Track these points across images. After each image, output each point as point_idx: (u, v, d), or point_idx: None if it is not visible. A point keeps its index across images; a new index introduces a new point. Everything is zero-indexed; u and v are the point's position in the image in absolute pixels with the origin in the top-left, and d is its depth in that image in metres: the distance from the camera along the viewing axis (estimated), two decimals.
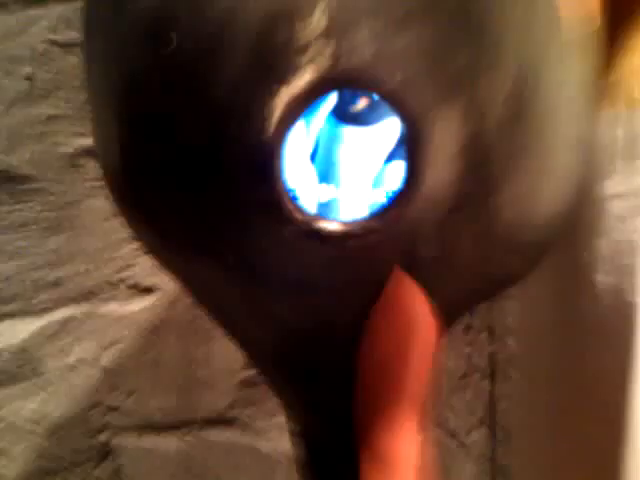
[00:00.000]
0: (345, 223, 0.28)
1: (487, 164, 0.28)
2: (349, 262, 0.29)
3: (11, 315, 0.61)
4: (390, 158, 0.36)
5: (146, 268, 0.62)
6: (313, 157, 0.37)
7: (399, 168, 0.32)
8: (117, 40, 0.30)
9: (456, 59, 0.27)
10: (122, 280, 0.63)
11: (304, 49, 0.25)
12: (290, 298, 0.31)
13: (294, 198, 0.27)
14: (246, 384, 0.68)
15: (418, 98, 0.26)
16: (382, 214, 0.28)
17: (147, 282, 0.63)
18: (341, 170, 0.36)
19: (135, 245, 0.60)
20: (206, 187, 0.28)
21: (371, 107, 0.36)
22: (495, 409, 0.77)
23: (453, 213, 0.29)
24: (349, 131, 0.36)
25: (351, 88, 0.30)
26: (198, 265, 0.31)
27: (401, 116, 0.27)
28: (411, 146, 0.27)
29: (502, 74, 0.28)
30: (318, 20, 0.25)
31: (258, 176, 0.26)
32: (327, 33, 0.26)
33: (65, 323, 0.62)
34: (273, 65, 0.26)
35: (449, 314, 0.33)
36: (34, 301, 0.61)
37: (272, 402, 0.67)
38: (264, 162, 0.26)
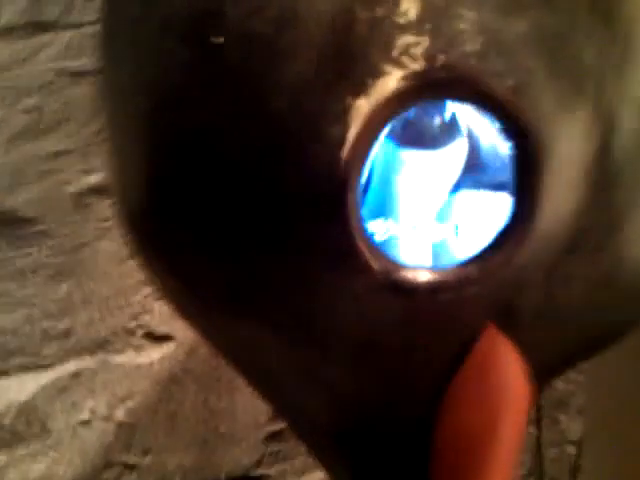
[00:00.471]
0: (436, 272, 0.23)
1: (614, 188, 0.23)
2: (433, 318, 0.24)
3: (18, 369, 0.56)
4: (457, 187, 0.31)
5: (162, 314, 0.58)
6: (364, 188, 0.32)
7: (504, 199, 0.27)
8: (147, 45, 0.25)
9: (581, 54, 0.22)
10: (137, 328, 0.59)
11: (388, 46, 0.20)
12: (354, 361, 0.26)
13: (372, 241, 0.22)
14: (274, 438, 0.64)
15: (536, 105, 0.21)
16: (484, 259, 0.23)
17: (164, 329, 0.59)
18: (400, 202, 0.31)
19: (150, 289, 0.56)
20: (259, 228, 0.22)
21: (442, 126, 0.31)
22: (543, 458, 0.71)
23: (567, 254, 0.24)
24: (411, 156, 0.31)
25: (449, 97, 0.24)
26: (238, 324, 0.26)
27: (513, 130, 0.22)
28: (525, 168, 0.22)
29: (634, 73, 0.23)
30: (407, 8, 0.20)
31: (327, 213, 0.21)
32: (418, 24, 0.20)
33: (76, 376, 0.58)
34: (348, 68, 0.20)
35: (543, 376, 0.27)
36: (43, 353, 0.57)
37: (303, 458, 0.63)
38: (335, 195, 0.20)
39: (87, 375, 0.58)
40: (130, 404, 0.60)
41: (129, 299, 0.57)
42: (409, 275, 0.22)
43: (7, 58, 0.47)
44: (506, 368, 0.27)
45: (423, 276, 0.23)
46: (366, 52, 0.21)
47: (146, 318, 0.58)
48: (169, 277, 0.27)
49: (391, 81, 0.20)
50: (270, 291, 0.24)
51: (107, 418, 0.60)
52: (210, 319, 0.28)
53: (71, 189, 0.52)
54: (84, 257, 0.55)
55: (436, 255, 0.32)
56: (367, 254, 0.22)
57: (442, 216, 0.32)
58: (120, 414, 0.60)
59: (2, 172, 0.49)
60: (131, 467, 0.61)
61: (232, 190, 0.23)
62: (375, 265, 0.22)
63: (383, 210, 0.31)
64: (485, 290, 0.23)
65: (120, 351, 0.59)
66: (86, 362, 0.58)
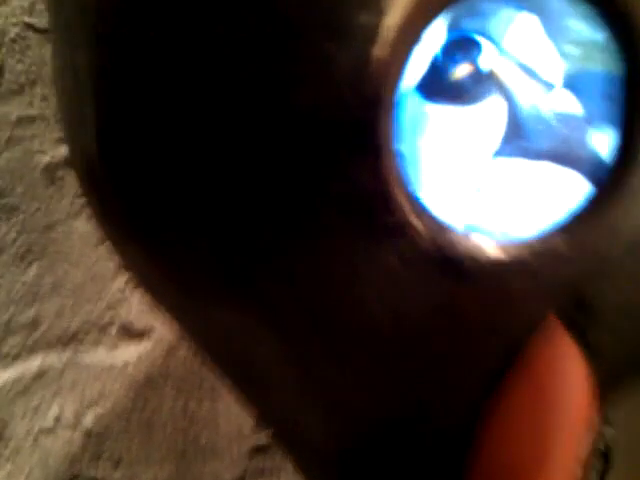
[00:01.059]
0: (510, 244, 0.17)
1: None
2: (489, 307, 0.18)
3: None
4: (497, 153, 0.26)
5: (141, 307, 0.52)
6: None
7: (603, 141, 0.22)
8: None
9: None
10: (111, 322, 0.53)
11: None
12: (371, 362, 0.20)
13: (413, 193, 0.16)
14: (259, 452, 0.59)
15: None
16: (575, 227, 0.17)
17: (142, 324, 0.54)
18: (427, 168, 0.25)
19: (128, 278, 0.50)
20: (253, 171, 0.17)
21: (475, 77, 0.25)
22: None
23: None
24: (440, 112, 0.26)
25: None
26: (227, 310, 0.20)
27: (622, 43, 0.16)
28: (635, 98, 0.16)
29: None
30: None
31: (351, 145, 0.15)
32: None
33: (40, 374, 0.52)
34: None
35: (611, 382, 0.21)
36: (3, 347, 0.51)
37: (290, 472, 0.57)
38: (362, 117, 0.15)
39: (52, 375, 0.53)
40: (100, 410, 0.55)
41: (105, 287, 0.52)
42: (469, 246, 0.17)
43: None
44: (566, 369, 0.21)
45: (489, 249, 0.17)
46: None
47: (122, 310, 0.53)
48: (137, 250, 0.21)
49: None
50: (272, 264, 0.18)
51: (73, 425, 0.54)
52: (191, 305, 0.22)
53: (43, 159, 0.47)
54: (56, 236, 0.49)
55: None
56: (407, 208, 0.16)
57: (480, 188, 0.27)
58: (88, 421, 0.54)
59: None
60: None
61: (219, 117, 0.17)
62: (419, 226, 0.17)
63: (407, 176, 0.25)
64: (567, 274, 0.18)
65: (91, 348, 0.53)
66: (52, 360, 0.52)
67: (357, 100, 0.15)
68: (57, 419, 0.53)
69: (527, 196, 0.26)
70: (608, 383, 0.23)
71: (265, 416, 0.24)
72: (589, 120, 0.27)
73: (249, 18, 0.16)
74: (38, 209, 0.48)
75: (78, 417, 0.54)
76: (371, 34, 0.15)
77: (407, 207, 0.16)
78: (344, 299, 0.19)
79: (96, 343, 0.54)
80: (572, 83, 0.28)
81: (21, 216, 0.48)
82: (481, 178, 0.27)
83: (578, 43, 0.27)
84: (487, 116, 0.27)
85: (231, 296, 0.20)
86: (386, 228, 0.17)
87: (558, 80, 0.29)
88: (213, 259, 0.19)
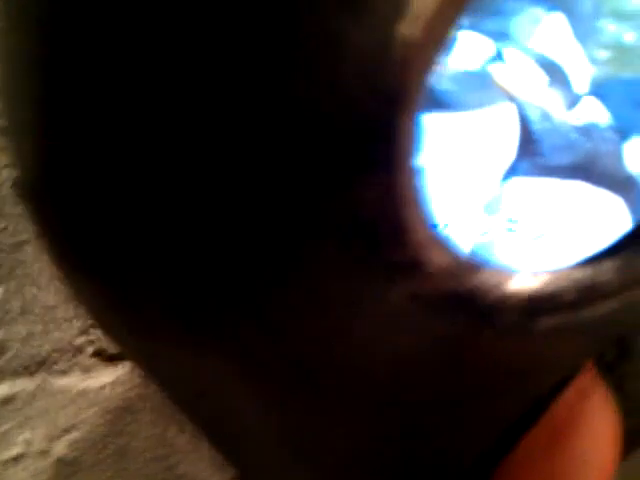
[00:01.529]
0: (541, 278, 0.14)
1: None
2: (515, 353, 0.15)
3: None
4: (511, 173, 0.23)
5: None
6: None
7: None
8: None
9: None
10: (86, 344, 0.51)
11: None
12: (368, 417, 0.17)
13: (433, 228, 0.13)
14: None
15: None
16: (620, 259, 0.14)
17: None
18: (433, 189, 0.23)
19: None
20: (227, 192, 0.14)
21: (471, 79, 0.23)
22: None
23: None
24: (434, 121, 0.23)
25: None
26: (191, 356, 0.17)
27: None
28: None
29: None
30: None
31: (363, 159, 0.12)
32: None
33: (9, 400, 0.50)
34: None
35: (636, 438, 0.19)
36: None
37: None
38: (380, 114, 0.12)
39: (23, 400, 0.50)
40: (73, 436, 0.52)
41: (76, 310, 0.49)
42: (495, 281, 0.14)
43: None
44: (594, 431, 0.19)
45: (519, 282, 0.14)
46: None
47: (97, 333, 0.51)
48: (86, 281, 0.18)
49: None
50: (248, 305, 0.15)
51: (44, 453, 0.51)
52: (152, 348, 0.19)
53: (11, 175, 0.44)
54: (25, 257, 0.46)
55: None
56: (423, 241, 0.14)
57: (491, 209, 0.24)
58: (60, 448, 0.52)
59: None
60: None
61: (183, 109, 0.14)
62: (436, 262, 0.14)
63: None
64: (614, 310, 0.15)
65: (64, 372, 0.51)
66: (22, 384, 0.50)
67: (371, 94, 0.12)
68: (27, 446, 0.50)
69: (554, 220, 0.24)
70: (629, 437, 0.21)
71: (244, 474, 0.21)
72: (620, 130, 0.25)
73: None
74: (5, 228, 0.45)
75: (50, 444, 0.51)
76: (398, 5, 0.12)
77: (423, 239, 0.14)
78: (341, 348, 0.16)
79: (69, 368, 0.52)
80: (601, 90, 0.26)
81: None
82: (495, 199, 0.24)
83: (608, 46, 0.24)
84: (494, 130, 0.24)
85: (196, 342, 0.17)
86: (397, 265, 0.14)
87: (585, 86, 0.26)
88: (175, 301, 0.16)
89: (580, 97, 0.24)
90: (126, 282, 0.17)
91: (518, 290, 0.15)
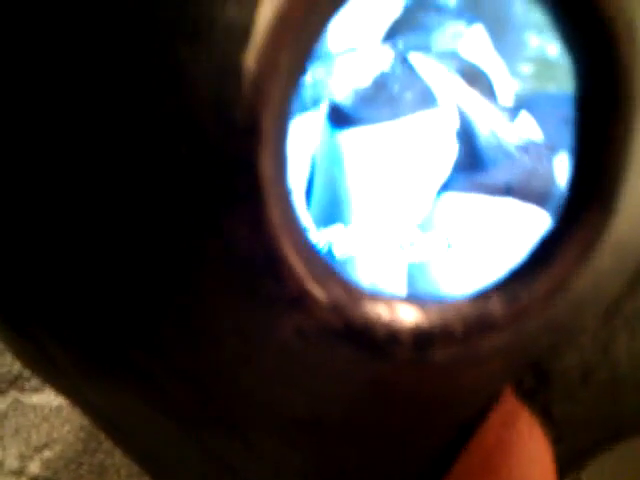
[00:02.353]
0: (431, 309, 0.14)
1: None
2: (420, 384, 0.15)
3: None
4: (446, 186, 0.23)
5: None
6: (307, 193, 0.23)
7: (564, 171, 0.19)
8: None
9: None
10: None
11: None
12: (282, 453, 0.16)
13: (312, 250, 0.13)
14: None
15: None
16: (515, 290, 0.14)
17: None
18: (355, 201, 0.22)
19: None
20: (108, 231, 0.13)
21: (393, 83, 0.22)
22: None
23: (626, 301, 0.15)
24: (359, 136, 0.22)
25: None
26: (100, 389, 0.17)
27: (587, 37, 0.13)
28: (604, 118, 0.13)
29: None
30: None
31: (224, 192, 0.11)
32: None
33: None
34: None
35: (570, 463, 0.18)
36: None
37: None
38: (236, 158, 0.11)
39: None
40: (48, 454, 0.51)
41: None
42: (383, 314, 0.13)
43: None
44: (526, 457, 0.18)
45: (407, 316, 0.14)
46: None
47: None
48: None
49: None
50: (142, 335, 0.15)
51: (18, 472, 0.51)
52: (66, 382, 0.18)
53: None
54: None
55: (416, 284, 0.23)
56: (302, 272, 0.13)
57: (426, 225, 0.24)
58: (35, 467, 0.51)
59: None
60: None
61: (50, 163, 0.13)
62: (319, 294, 0.13)
63: (332, 215, 0.22)
64: (509, 341, 0.14)
65: (37, 390, 0.50)
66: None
67: (221, 128, 0.12)
68: (0, 466, 0.50)
69: (480, 238, 0.23)
70: (572, 457, 0.20)
71: None
72: (550, 147, 0.24)
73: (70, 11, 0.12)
74: None
75: (24, 462, 0.50)
76: (237, 33, 0.11)
77: (302, 271, 0.13)
78: (246, 381, 0.15)
79: (41, 385, 0.51)
80: (526, 105, 0.25)
81: None
82: (422, 215, 0.23)
83: (532, 60, 0.24)
84: (429, 141, 0.23)
85: (104, 375, 0.16)
86: (276, 299, 0.13)
87: (510, 101, 0.26)
88: (73, 334, 0.16)
89: (518, 113, 0.24)
90: (26, 319, 0.17)
91: (407, 323, 0.14)
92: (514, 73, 0.23)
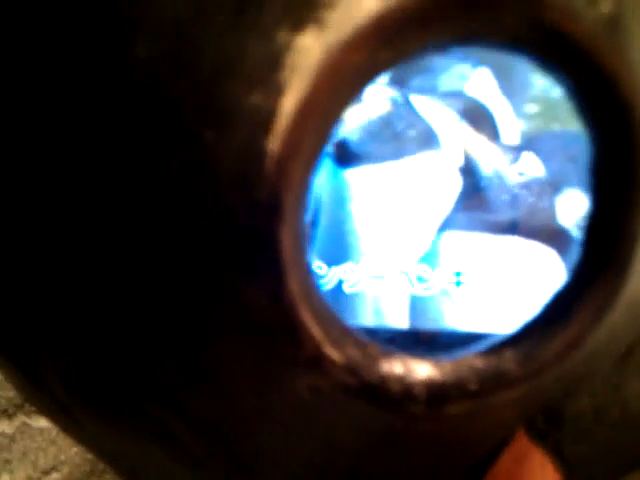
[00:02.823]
0: (444, 366, 0.14)
1: None
2: (435, 437, 0.15)
3: None
4: (450, 225, 0.23)
5: None
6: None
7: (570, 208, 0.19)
8: None
9: None
10: None
11: None
12: None
13: (332, 321, 0.13)
14: None
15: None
16: (529, 347, 0.14)
17: None
18: (361, 241, 0.23)
19: None
20: (133, 299, 0.14)
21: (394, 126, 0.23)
22: None
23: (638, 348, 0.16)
24: (364, 174, 0.23)
25: (486, 38, 0.15)
26: (129, 441, 0.17)
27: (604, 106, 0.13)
28: (621, 180, 0.14)
29: None
30: None
31: (245, 265, 0.12)
32: None
33: None
34: None
35: None
36: None
37: None
38: (255, 230, 0.12)
39: (2, 442, 0.49)
40: (56, 476, 0.51)
41: None
42: (397, 371, 0.14)
43: None
44: None
45: (421, 372, 0.14)
46: None
47: None
48: (5, 362, 0.18)
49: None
50: (162, 394, 0.15)
51: None
52: (80, 431, 0.19)
53: None
54: None
55: (425, 321, 0.24)
56: (319, 337, 0.14)
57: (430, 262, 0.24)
58: None
59: None
60: None
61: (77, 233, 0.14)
62: (335, 356, 0.14)
63: (339, 253, 0.22)
64: (523, 394, 0.15)
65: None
66: (1, 427, 0.49)
67: (245, 206, 0.12)
68: None
69: (488, 276, 0.23)
70: None
71: None
72: (552, 184, 0.25)
73: (100, 95, 0.12)
74: None
75: None
76: (262, 119, 0.12)
77: (319, 335, 0.14)
78: (263, 436, 0.16)
79: None
80: (532, 144, 0.25)
81: None
82: (424, 252, 0.24)
83: (537, 100, 0.24)
84: (432, 179, 0.24)
85: (121, 425, 0.17)
86: (293, 361, 0.14)
87: (516, 141, 0.26)
88: (90, 386, 0.16)
89: (521, 152, 0.24)
90: (34, 363, 0.17)
91: (421, 380, 0.14)
92: (519, 113, 0.24)
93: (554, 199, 0.23)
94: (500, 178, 0.24)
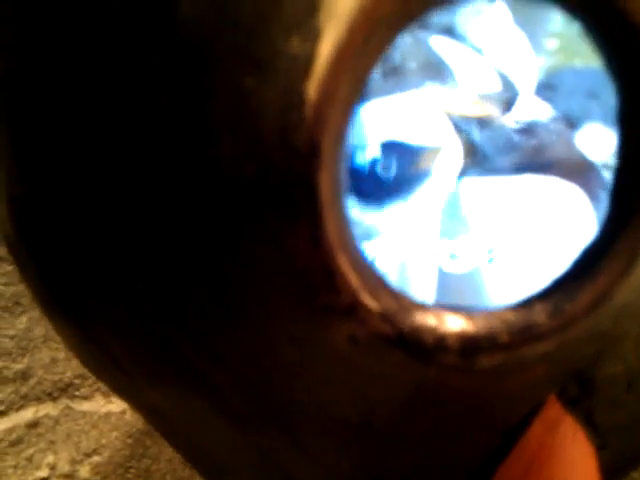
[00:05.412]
0: (478, 319, 0.14)
1: None
2: (467, 391, 0.16)
3: None
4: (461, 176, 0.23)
5: None
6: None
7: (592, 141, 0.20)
8: None
9: None
10: None
11: None
12: (337, 454, 0.17)
13: (364, 263, 0.14)
14: None
15: None
16: (560, 300, 0.15)
17: None
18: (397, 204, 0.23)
19: None
20: (175, 245, 0.15)
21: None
22: None
23: None
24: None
25: None
26: (162, 392, 0.18)
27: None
28: None
29: None
30: None
31: (285, 210, 0.13)
32: None
33: (34, 425, 0.50)
34: None
35: (616, 469, 0.19)
36: None
37: None
38: (297, 179, 0.12)
39: (47, 425, 0.51)
40: (96, 460, 0.52)
41: None
42: (431, 322, 0.14)
43: None
44: (568, 461, 0.19)
45: (454, 324, 0.14)
46: None
47: None
48: (62, 320, 0.19)
49: None
50: (203, 343, 0.16)
51: (70, 476, 0.51)
52: (129, 385, 0.20)
53: None
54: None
55: (460, 293, 0.24)
56: (356, 284, 0.14)
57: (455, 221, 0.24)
58: (84, 471, 0.51)
59: None
60: None
61: (131, 179, 0.14)
62: (371, 305, 0.14)
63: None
64: (553, 349, 0.15)
65: (86, 397, 0.52)
66: (46, 409, 0.50)
67: (285, 151, 0.13)
68: (52, 469, 0.51)
69: (520, 240, 0.24)
70: (618, 464, 0.20)
71: None
72: (572, 119, 0.24)
73: (143, 45, 0.13)
74: None
75: (74, 467, 0.51)
76: (300, 65, 0.12)
77: (356, 283, 0.14)
78: (300, 386, 0.16)
79: (91, 393, 0.52)
80: (552, 80, 0.25)
81: (9, 267, 0.47)
82: (452, 203, 0.24)
83: (557, 35, 0.24)
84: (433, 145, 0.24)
85: (166, 376, 0.18)
86: (330, 308, 0.14)
87: (533, 79, 0.26)
88: (138, 336, 0.17)
89: (515, 97, 0.24)
90: (91, 321, 0.18)
91: (454, 331, 0.15)
92: (538, 48, 0.24)
93: (569, 133, 0.23)
94: (493, 130, 0.24)
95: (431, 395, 0.17)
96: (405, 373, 0.16)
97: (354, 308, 0.14)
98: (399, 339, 0.15)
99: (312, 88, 0.12)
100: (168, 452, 0.53)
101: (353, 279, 0.14)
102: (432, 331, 0.15)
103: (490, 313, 0.15)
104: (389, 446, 0.18)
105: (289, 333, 0.15)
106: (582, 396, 0.19)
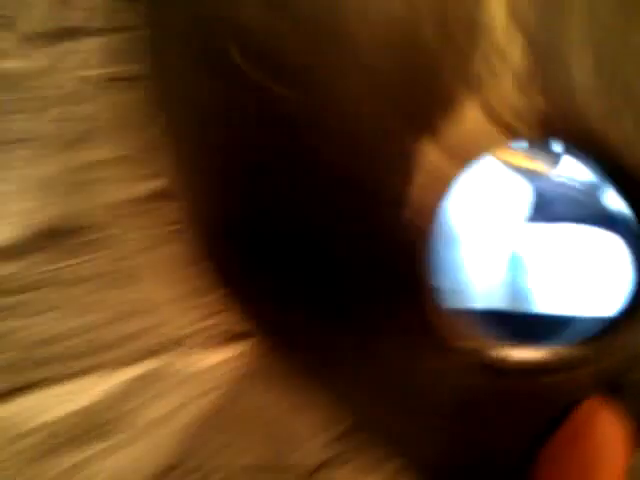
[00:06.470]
0: (537, 351, 0.19)
1: None
2: (531, 395, 0.21)
3: (84, 372, 0.55)
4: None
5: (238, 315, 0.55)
6: None
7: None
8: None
9: None
10: (211, 327, 0.56)
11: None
12: (452, 430, 0.23)
13: (453, 316, 0.18)
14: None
15: None
16: (604, 338, 0.19)
17: (240, 328, 0.56)
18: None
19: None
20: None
21: None
22: None
23: None
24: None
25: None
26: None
27: None
28: None
29: None
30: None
31: (393, 288, 0.18)
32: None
33: (138, 379, 0.56)
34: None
35: None
36: (108, 357, 0.55)
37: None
38: (401, 270, 0.17)
39: (151, 378, 0.56)
40: (197, 407, 0.57)
41: (203, 298, 0.54)
42: (501, 353, 0.19)
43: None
44: (603, 439, 0.24)
45: (523, 355, 0.19)
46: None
47: (219, 318, 0.55)
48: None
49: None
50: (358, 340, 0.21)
51: (172, 421, 0.57)
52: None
53: (134, 193, 0.51)
54: (151, 260, 0.53)
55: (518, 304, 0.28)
56: (447, 334, 0.19)
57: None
58: (181, 422, 0.57)
59: (58, 181, 0.47)
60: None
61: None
62: (459, 344, 0.19)
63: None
64: (596, 368, 0.20)
65: (186, 354, 0.56)
66: (150, 364, 0.56)
67: (397, 253, 0.18)
68: (158, 417, 0.56)
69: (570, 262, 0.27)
70: None
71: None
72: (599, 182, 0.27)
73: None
74: (133, 239, 0.51)
75: (177, 415, 0.56)
76: (401, 198, 0.17)
77: (447, 333, 0.19)
78: (403, 386, 0.22)
79: (190, 350, 0.56)
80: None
81: (117, 246, 0.51)
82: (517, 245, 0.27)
83: None
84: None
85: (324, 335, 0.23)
86: (432, 346, 0.19)
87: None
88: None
89: (560, 157, 0.27)
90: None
91: (520, 361, 0.19)
92: None
93: (602, 194, 0.26)
94: (561, 187, 0.27)
95: (500, 393, 0.21)
96: (482, 382, 0.20)
97: (447, 347, 0.19)
98: (479, 364, 0.19)
99: (407, 212, 0.17)
100: (261, 399, 0.58)
101: (444, 330, 0.19)
102: (502, 360, 0.19)
103: (546, 349, 0.20)
104: (474, 424, 0.24)
105: (409, 355, 0.21)
106: (614, 395, 0.23)
